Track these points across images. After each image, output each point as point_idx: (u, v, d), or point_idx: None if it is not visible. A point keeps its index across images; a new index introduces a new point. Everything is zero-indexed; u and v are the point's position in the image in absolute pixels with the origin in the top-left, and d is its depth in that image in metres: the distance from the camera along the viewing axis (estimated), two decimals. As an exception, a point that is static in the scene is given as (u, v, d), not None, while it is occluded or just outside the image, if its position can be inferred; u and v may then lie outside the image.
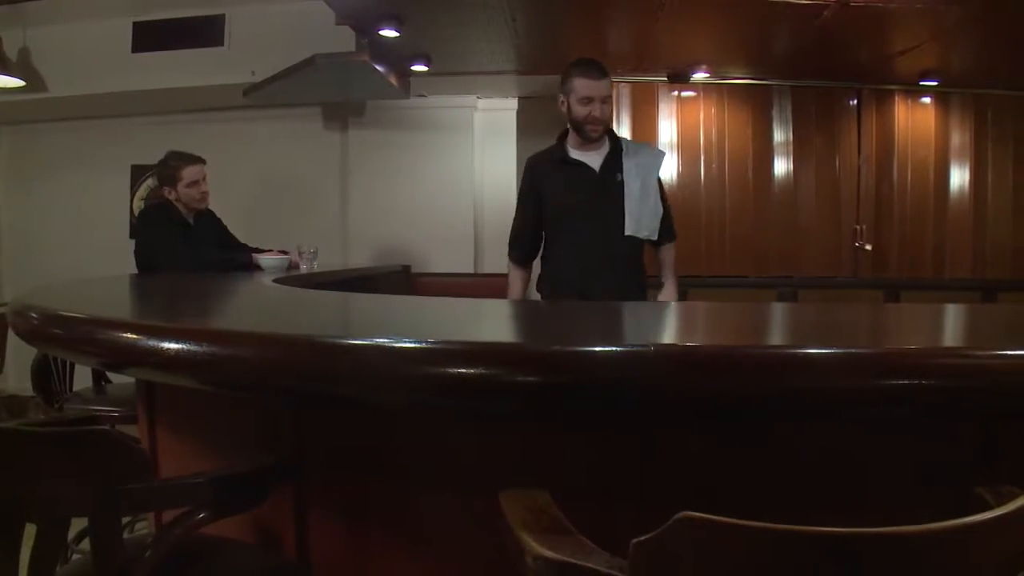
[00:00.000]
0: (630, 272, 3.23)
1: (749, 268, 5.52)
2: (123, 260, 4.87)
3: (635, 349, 1.10)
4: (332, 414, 1.52)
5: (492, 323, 1.70)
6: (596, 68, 3.14)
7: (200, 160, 3.97)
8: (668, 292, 3.35)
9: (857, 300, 5.30)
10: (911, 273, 5.59)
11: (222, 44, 5.26)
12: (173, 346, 1.31)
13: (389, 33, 4.27)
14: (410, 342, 1.17)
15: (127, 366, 1.49)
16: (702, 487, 1.28)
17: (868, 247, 5.53)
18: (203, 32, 5.26)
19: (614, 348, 1.11)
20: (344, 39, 4.60)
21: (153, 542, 1.16)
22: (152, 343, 1.33)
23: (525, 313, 1.89)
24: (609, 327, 1.46)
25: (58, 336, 1.58)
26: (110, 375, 3.19)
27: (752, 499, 1.28)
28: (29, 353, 5.65)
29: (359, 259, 5.95)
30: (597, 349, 1.11)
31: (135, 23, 5.32)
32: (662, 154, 3.37)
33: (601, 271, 3.16)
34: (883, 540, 0.73)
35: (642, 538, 0.78)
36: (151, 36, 5.30)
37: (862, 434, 1.31)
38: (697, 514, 0.75)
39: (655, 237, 3.24)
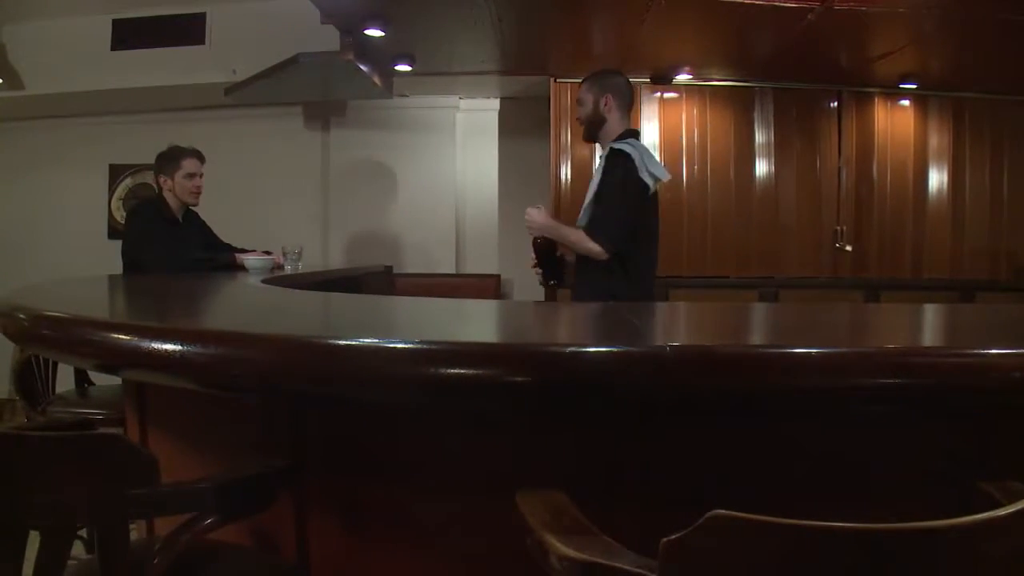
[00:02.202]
0: (590, 271, 3.12)
1: (730, 268, 5.55)
2: (100, 260, 4.82)
3: (652, 350, 1.10)
4: (333, 416, 1.50)
5: (502, 324, 1.69)
6: None
7: (201, 155, 4.05)
8: (541, 216, 3.23)
9: (837, 300, 5.34)
10: (890, 273, 5.64)
11: (203, 43, 5.23)
12: (176, 348, 1.29)
13: (374, 32, 4.25)
14: (421, 344, 1.16)
15: (125, 368, 1.47)
16: (713, 486, 1.29)
17: (848, 248, 5.58)
18: (183, 30, 5.21)
19: (631, 348, 1.10)
20: (326, 38, 4.57)
21: (161, 548, 1.14)
22: (154, 345, 1.31)
23: (532, 314, 1.88)
24: (617, 328, 1.46)
25: (53, 338, 1.56)
26: (92, 377, 3.15)
27: (760, 497, 1.29)
28: (5, 355, 5.58)
29: (340, 259, 5.93)
30: (614, 350, 1.11)
31: (114, 20, 5.27)
32: (609, 152, 3.13)
33: (576, 272, 3.21)
34: (914, 535, 0.74)
35: (673, 537, 0.77)
36: (130, 34, 5.25)
37: (867, 431, 1.32)
38: (729, 512, 0.75)
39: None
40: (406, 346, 1.16)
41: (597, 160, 3.22)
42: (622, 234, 3.02)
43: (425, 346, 1.16)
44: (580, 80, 3.32)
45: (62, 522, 1.11)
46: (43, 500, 1.10)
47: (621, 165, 3.03)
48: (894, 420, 1.30)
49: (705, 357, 1.11)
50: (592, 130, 3.23)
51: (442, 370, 1.14)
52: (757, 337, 1.51)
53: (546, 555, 0.91)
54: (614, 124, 3.17)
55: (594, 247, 3.00)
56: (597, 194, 3.10)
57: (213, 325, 1.66)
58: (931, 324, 1.80)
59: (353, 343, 1.19)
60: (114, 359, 1.43)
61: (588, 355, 1.11)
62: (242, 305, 2.24)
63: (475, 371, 1.13)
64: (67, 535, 1.13)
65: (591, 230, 3.04)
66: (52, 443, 1.11)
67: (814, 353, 1.13)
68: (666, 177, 3.15)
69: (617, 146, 3.07)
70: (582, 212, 3.21)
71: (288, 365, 1.24)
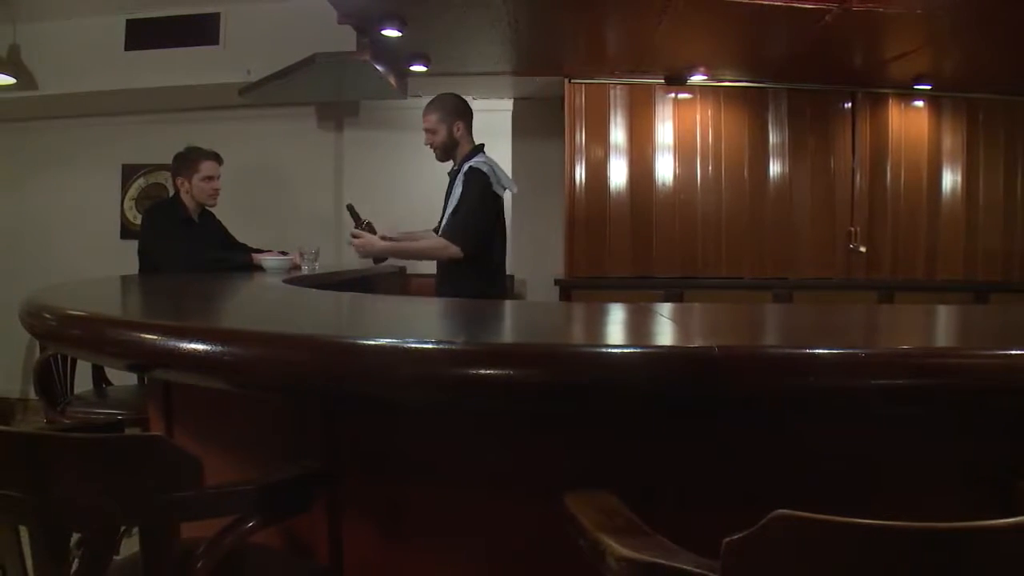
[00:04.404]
0: (459, 275, 3.51)
1: (745, 269, 5.54)
2: (113, 260, 4.82)
3: (700, 350, 1.09)
4: (366, 416, 1.50)
5: (538, 325, 1.68)
6: None
7: (219, 157, 4.06)
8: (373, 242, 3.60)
9: (851, 302, 5.33)
10: (904, 274, 5.62)
11: (217, 43, 5.21)
12: (214, 348, 1.29)
13: (391, 33, 4.24)
14: (465, 345, 1.16)
15: (159, 367, 1.46)
16: (754, 485, 1.28)
17: (862, 249, 5.56)
18: (197, 30, 5.20)
19: (680, 349, 1.09)
20: (339, 38, 4.56)
21: (205, 551, 1.13)
22: (192, 345, 1.31)
23: (563, 314, 1.88)
24: (655, 328, 1.45)
25: (86, 338, 1.56)
26: (110, 377, 3.15)
27: (797, 496, 1.28)
28: (17, 355, 5.55)
29: (353, 259, 5.90)
30: (663, 350, 1.10)
31: (128, 20, 5.25)
32: (467, 170, 3.52)
33: (443, 277, 3.65)
34: (978, 533, 0.73)
35: (735, 537, 0.77)
36: (144, 34, 5.24)
37: (907, 431, 1.31)
38: (793, 512, 0.75)
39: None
40: (451, 347, 1.15)
41: (457, 177, 3.57)
42: (477, 239, 3.45)
43: (469, 347, 1.15)
44: (426, 108, 3.64)
45: (105, 525, 1.10)
46: (86, 503, 1.09)
47: (479, 181, 3.46)
48: (933, 419, 1.29)
49: (754, 358, 1.10)
50: (447, 153, 3.65)
51: (485, 371, 1.13)
52: (799, 338, 1.50)
53: (602, 556, 0.90)
54: (465, 144, 3.63)
55: (454, 249, 3.41)
56: (456, 206, 3.49)
57: (245, 325, 1.65)
58: (962, 325, 1.79)
59: (398, 344, 1.18)
60: (148, 359, 1.43)
61: (637, 356, 1.10)
62: (270, 305, 2.24)
63: (520, 372, 1.12)
64: (110, 538, 1.11)
65: (450, 236, 3.45)
66: (94, 445, 1.10)
67: (863, 354, 1.12)
68: (514, 188, 3.73)
69: (474, 164, 3.51)
70: (443, 223, 3.60)
71: (326, 366, 1.24)
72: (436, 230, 3.75)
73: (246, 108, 5.65)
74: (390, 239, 3.73)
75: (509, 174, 5.91)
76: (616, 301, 2.89)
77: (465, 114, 3.66)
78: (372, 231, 3.69)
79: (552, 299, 5.28)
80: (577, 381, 1.11)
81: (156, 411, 2.04)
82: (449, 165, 3.70)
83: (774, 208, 5.56)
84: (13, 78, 5.16)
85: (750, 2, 3.87)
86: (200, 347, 1.30)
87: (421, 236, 3.83)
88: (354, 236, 3.61)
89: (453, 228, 3.47)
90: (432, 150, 3.68)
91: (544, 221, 5.94)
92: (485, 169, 3.50)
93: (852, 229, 5.59)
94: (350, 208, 3.76)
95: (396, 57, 4.80)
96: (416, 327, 1.74)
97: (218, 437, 1.80)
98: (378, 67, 4.55)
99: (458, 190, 3.50)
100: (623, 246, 5.50)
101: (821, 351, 1.13)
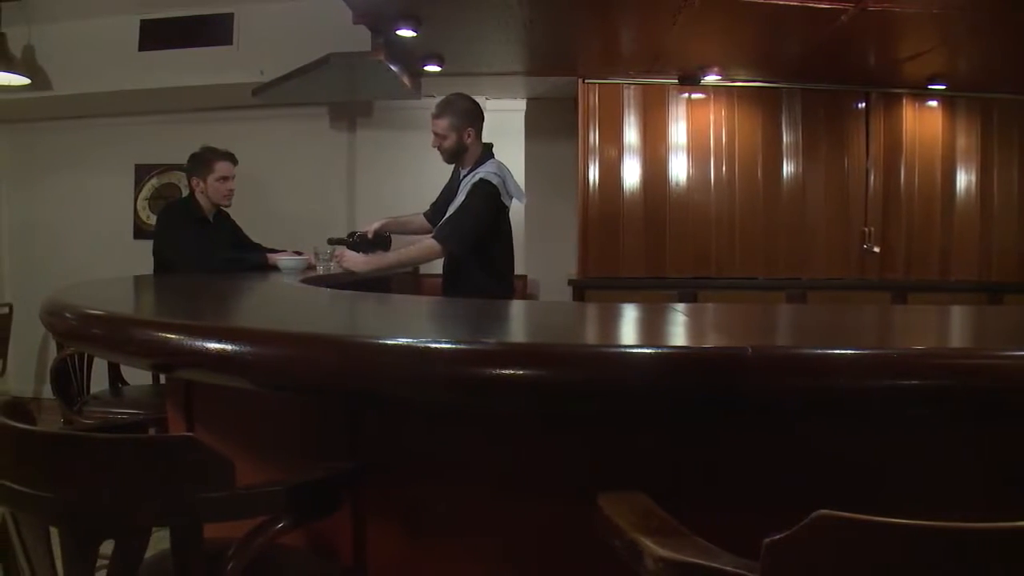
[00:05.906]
0: (464, 275, 3.55)
1: (758, 269, 5.52)
2: (126, 260, 4.84)
3: (733, 351, 1.09)
4: (390, 417, 1.49)
5: (559, 326, 1.67)
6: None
7: (234, 158, 4.06)
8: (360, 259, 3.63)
9: (865, 302, 5.31)
10: (918, 275, 5.60)
11: (230, 43, 5.22)
12: (243, 349, 1.29)
13: (406, 33, 4.24)
14: (497, 345, 1.15)
15: (184, 367, 1.46)
16: (783, 487, 1.27)
17: (876, 249, 5.54)
18: (211, 31, 5.21)
19: (712, 349, 1.09)
20: (351, 38, 4.55)
21: (235, 552, 1.13)
22: (218, 345, 1.31)
23: (587, 316, 1.87)
24: (673, 329, 1.44)
25: (110, 338, 1.56)
26: (126, 377, 3.16)
27: (825, 498, 1.27)
28: (30, 355, 5.55)
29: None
30: (694, 351, 1.10)
31: (142, 21, 5.27)
32: (479, 180, 3.48)
33: (451, 277, 3.63)
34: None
35: (776, 537, 0.77)
36: (158, 34, 5.26)
37: (939, 432, 1.30)
38: (835, 512, 0.74)
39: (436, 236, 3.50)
40: (480, 347, 1.15)
41: (465, 182, 3.57)
42: (465, 242, 3.45)
43: (498, 347, 1.15)
44: (436, 112, 3.57)
45: (136, 526, 1.10)
46: (117, 503, 1.08)
47: (486, 191, 3.44)
48: (967, 419, 1.28)
49: (788, 358, 1.10)
50: (455, 157, 3.62)
51: (515, 371, 1.13)
52: (829, 339, 1.49)
53: (640, 557, 0.90)
54: (474, 149, 3.58)
55: (439, 249, 3.45)
56: (456, 210, 3.50)
57: (268, 325, 1.65)
58: (994, 326, 1.77)
59: (426, 344, 1.18)
60: (173, 358, 1.43)
61: (669, 356, 1.10)
62: (289, 305, 2.24)
63: (550, 372, 1.11)
64: (141, 539, 1.11)
65: (439, 236, 3.46)
66: (127, 446, 1.10)
67: (895, 355, 1.12)
68: (522, 200, 3.70)
69: (485, 176, 3.46)
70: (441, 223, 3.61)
71: (352, 366, 1.24)
72: (426, 215, 3.84)
73: (259, 108, 5.65)
74: (382, 228, 3.85)
75: (522, 175, 5.98)
76: (630, 301, 2.88)
77: (476, 119, 3.60)
78: (365, 240, 3.76)
79: (565, 299, 5.27)
80: (608, 382, 1.11)
81: (176, 410, 2.04)
82: None
83: (788, 208, 5.54)
84: (28, 78, 5.20)
85: (765, 2, 3.85)
86: (226, 347, 1.30)
87: (409, 220, 3.95)
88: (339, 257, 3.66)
89: (443, 229, 3.48)
90: (439, 152, 3.64)
91: (557, 221, 5.92)
92: (495, 181, 3.47)
93: (866, 229, 5.57)
94: (330, 241, 3.79)
95: (410, 57, 4.80)
96: (438, 327, 1.73)
97: (239, 436, 1.80)
98: (392, 67, 4.55)
99: (462, 196, 3.50)
100: (636, 246, 5.49)
101: (854, 351, 1.13)
